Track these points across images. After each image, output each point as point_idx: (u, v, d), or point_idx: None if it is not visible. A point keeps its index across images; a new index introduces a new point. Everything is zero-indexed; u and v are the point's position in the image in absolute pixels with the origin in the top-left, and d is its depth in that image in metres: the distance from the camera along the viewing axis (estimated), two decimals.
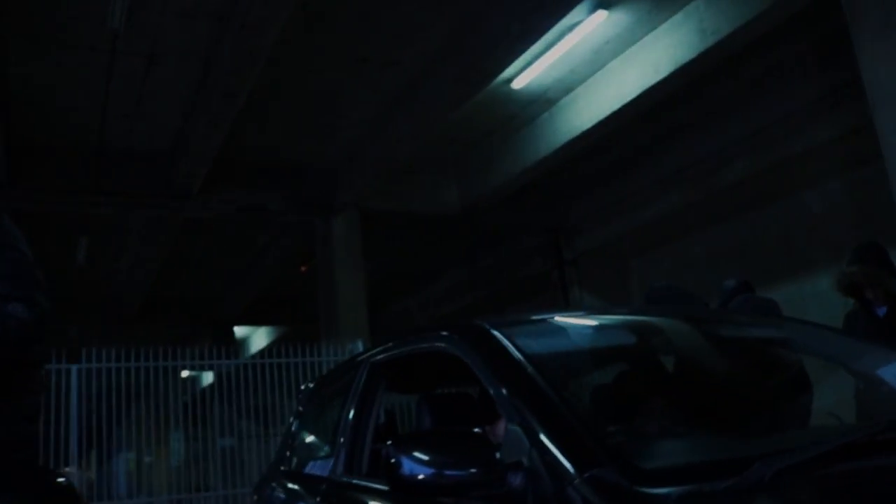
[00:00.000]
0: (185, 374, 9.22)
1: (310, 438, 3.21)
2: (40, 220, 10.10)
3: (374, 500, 2.06)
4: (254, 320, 15.60)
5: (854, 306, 3.86)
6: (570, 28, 6.97)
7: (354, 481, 2.24)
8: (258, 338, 17.45)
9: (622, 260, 11.01)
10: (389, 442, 1.59)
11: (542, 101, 8.64)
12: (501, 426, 1.75)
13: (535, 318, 2.22)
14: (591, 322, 2.29)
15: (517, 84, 8.02)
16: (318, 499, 2.41)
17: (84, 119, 7.96)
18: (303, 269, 11.27)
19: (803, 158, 8.10)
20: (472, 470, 1.47)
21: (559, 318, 2.23)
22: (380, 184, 9.46)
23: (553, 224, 11.10)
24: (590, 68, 7.99)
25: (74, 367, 7.73)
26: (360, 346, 7.25)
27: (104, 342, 7.39)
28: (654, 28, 7.25)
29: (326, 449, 2.65)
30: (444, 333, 2.09)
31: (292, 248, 11.30)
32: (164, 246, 10.57)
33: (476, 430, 1.70)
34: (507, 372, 1.75)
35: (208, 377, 11.53)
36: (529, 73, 7.83)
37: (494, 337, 1.91)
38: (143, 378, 7.32)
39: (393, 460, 1.52)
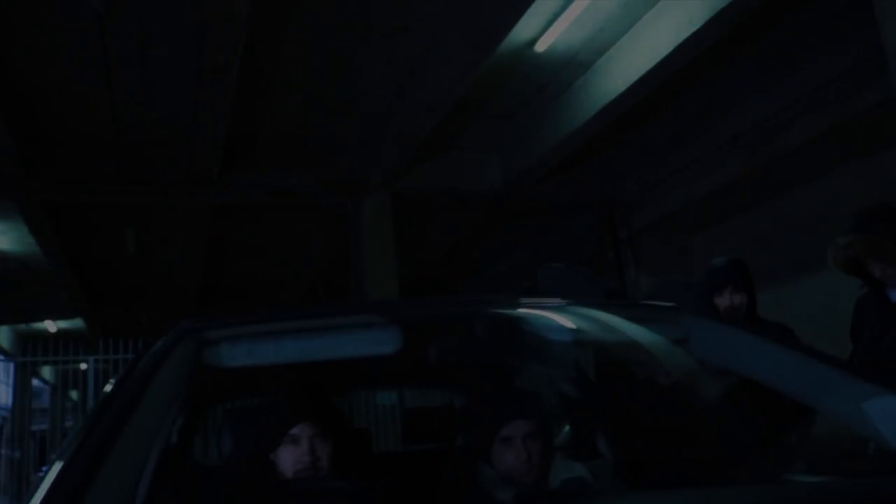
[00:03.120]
0: None
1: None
2: (81, 211, 10.15)
3: None
4: None
5: (863, 290, 3.07)
6: None
7: None
8: None
9: (683, 236, 10.12)
10: None
11: (575, 66, 7.89)
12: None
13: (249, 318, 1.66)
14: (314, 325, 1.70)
15: (540, 47, 7.33)
16: None
17: (94, 107, 7.77)
18: None
19: (874, 116, 7.07)
20: None
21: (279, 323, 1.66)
22: (411, 162, 8.95)
23: (607, 200, 10.30)
24: (621, 25, 7.19)
25: (91, 359, 7.63)
26: None
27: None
28: None
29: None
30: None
31: (338, 234, 10.96)
32: (201, 232, 10.42)
33: None
34: None
35: None
36: (551, 33, 7.12)
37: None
38: None
39: None
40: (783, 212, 9.07)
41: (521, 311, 1.84)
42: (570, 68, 7.92)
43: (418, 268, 10.90)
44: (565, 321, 1.88)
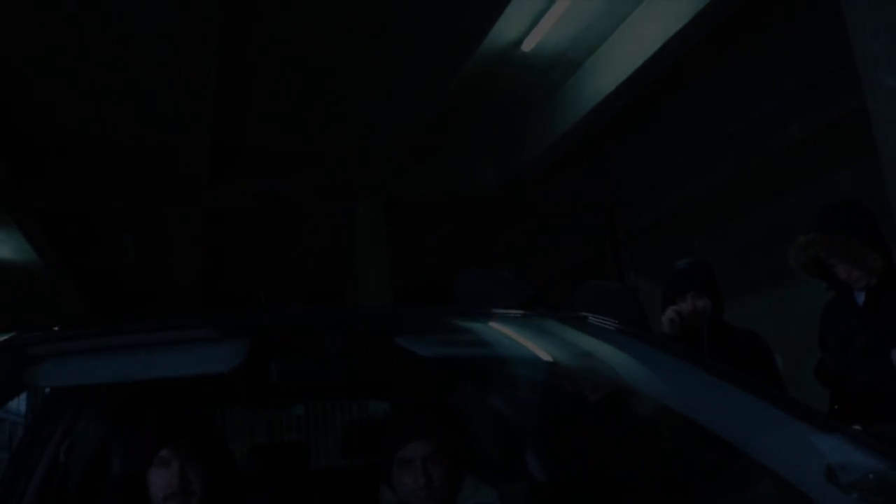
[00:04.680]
0: None
1: None
2: (78, 219, 10.11)
3: None
4: None
5: (830, 293, 2.88)
6: None
7: None
8: None
9: (682, 238, 9.89)
10: None
11: (565, 65, 7.73)
12: None
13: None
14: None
15: (527, 46, 7.17)
16: None
17: (80, 113, 7.71)
18: None
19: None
20: None
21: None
22: (404, 166, 8.83)
23: (604, 202, 10.10)
24: (608, 23, 7.03)
25: None
26: None
27: None
28: None
29: None
30: None
31: (332, 239, 10.85)
32: (197, 239, 10.34)
33: None
34: None
35: None
36: (537, 32, 6.96)
37: None
38: None
39: None
40: (780, 214, 8.83)
41: (406, 319, 1.68)
42: (559, 68, 7.77)
43: (414, 274, 10.75)
44: (458, 332, 1.72)
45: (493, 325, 1.80)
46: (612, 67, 7.27)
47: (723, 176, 8.73)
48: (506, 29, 6.81)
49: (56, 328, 1.50)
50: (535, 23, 6.84)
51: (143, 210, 9.45)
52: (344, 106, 8.01)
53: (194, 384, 2.01)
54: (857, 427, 1.36)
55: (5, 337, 1.40)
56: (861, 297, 2.70)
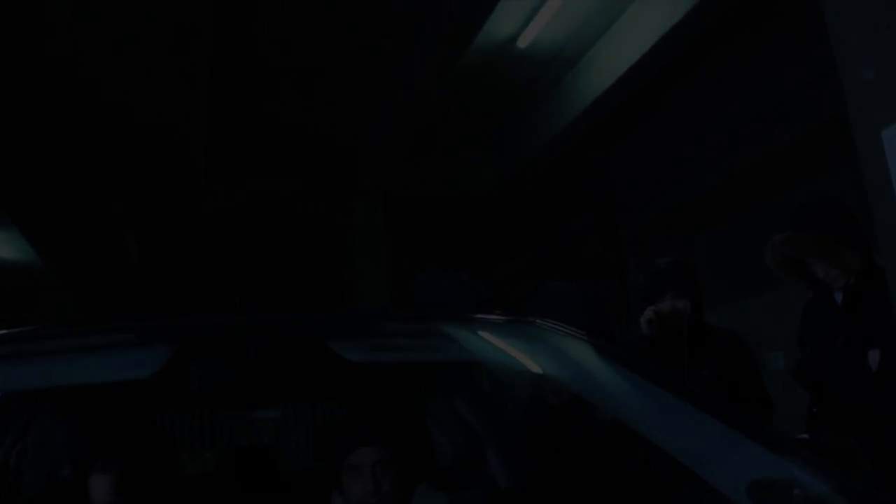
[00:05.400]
0: None
1: None
2: (79, 219, 10.12)
3: None
4: None
5: (810, 293, 2.79)
6: None
7: None
8: None
9: (685, 237, 9.78)
10: None
11: (563, 61, 7.67)
12: None
13: None
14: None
15: (522, 42, 7.10)
16: None
17: (76, 112, 7.70)
18: None
19: None
20: None
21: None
22: (402, 164, 8.77)
23: (606, 199, 10.00)
24: (604, 18, 6.96)
25: None
26: None
27: None
28: None
29: None
30: None
31: (331, 238, 10.81)
32: (197, 239, 10.33)
33: None
34: None
35: None
36: (532, 28, 6.91)
37: None
38: None
39: None
40: (790, 209, 8.70)
41: (351, 322, 1.62)
42: (557, 64, 7.71)
43: (412, 273, 10.71)
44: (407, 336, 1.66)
45: (443, 328, 1.74)
46: (610, 63, 7.20)
47: (725, 172, 8.62)
48: (501, 25, 6.76)
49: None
50: (530, 19, 6.79)
51: (142, 210, 9.45)
52: (340, 104, 7.96)
53: (148, 388, 1.96)
54: (805, 436, 1.29)
55: None
56: (840, 297, 2.62)
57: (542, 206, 10.03)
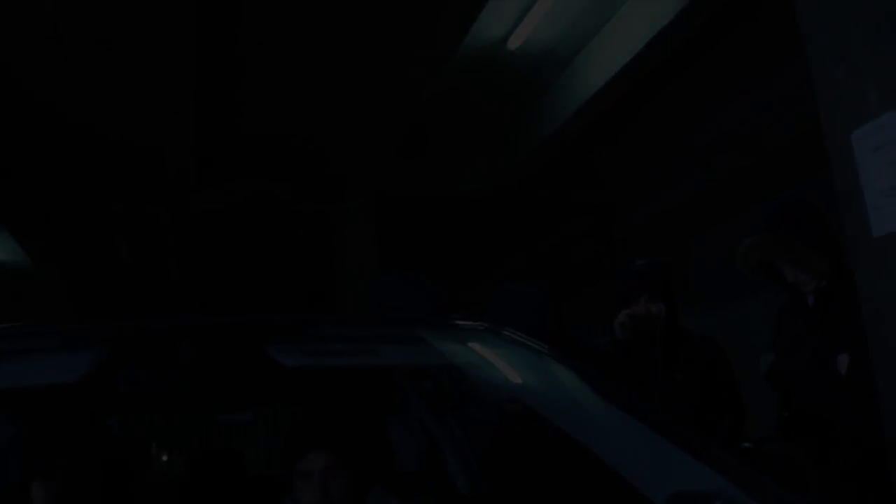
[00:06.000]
0: None
1: None
2: (69, 220, 10.09)
3: None
4: None
5: (785, 296, 2.75)
6: None
7: None
8: None
9: (679, 239, 9.75)
10: None
11: (555, 63, 7.64)
12: None
13: None
14: None
15: (512, 44, 7.08)
16: None
17: (63, 113, 7.68)
18: None
19: None
20: None
21: None
22: (395, 166, 8.76)
23: (600, 201, 9.97)
24: (595, 19, 6.92)
25: None
26: None
27: None
28: None
29: None
30: None
31: (324, 241, 10.78)
32: (189, 241, 10.30)
33: None
34: None
35: None
36: (522, 29, 6.88)
37: None
38: None
39: None
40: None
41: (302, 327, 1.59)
42: (549, 66, 7.68)
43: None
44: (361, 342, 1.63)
45: (394, 332, 1.71)
46: (602, 64, 7.17)
47: (719, 174, 8.59)
48: (491, 27, 6.75)
49: None
50: (520, 20, 6.77)
51: (133, 212, 9.43)
52: (331, 105, 7.93)
53: (90, 392, 1.92)
54: (748, 444, 1.25)
55: None
56: (812, 300, 2.58)
57: (534, 208, 10.00)
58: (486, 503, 1.95)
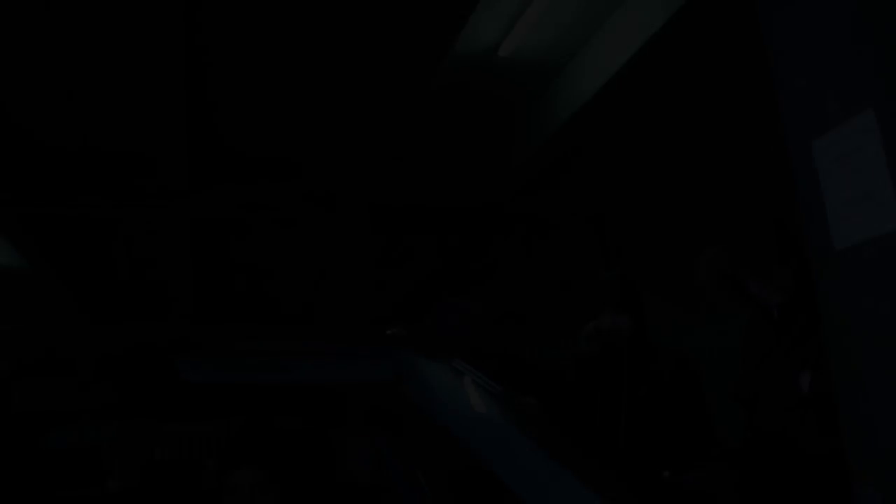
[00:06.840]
0: None
1: None
2: (65, 225, 10.08)
3: None
4: None
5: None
6: None
7: None
8: None
9: (674, 246, 9.65)
10: None
11: (548, 70, 7.58)
12: None
13: None
14: None
15: (503, 51, 7.01)
16: None
17: (55, 115, 7.65)
18: None
19: None
20: None
21: None
22: (387, 174, 8.71)
23: (596, 211, 9.89)
24: (586, 26, 6.86)
25: None
26: None
27: None
28: None
29: None
30: None
31: (318, 250, 10.72)
32: (184, 248, 10.24)
33: None
34: None
35: None
36: (513, 37, 6.81)
37: None
38: None
39: None
40: None
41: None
42: (542, 73, 7.62)
43: (399, 285, 10.60)
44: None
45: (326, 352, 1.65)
46: (591, 76, 7.11)
47: (714, 183, 8.50)
48: (481, 35, 6.70)
49: None
50: (510, 28, 6.70)
51: (128, 219, 9.41)
52: (322, 113, 7.89)
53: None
54: (667, 474, 1.19)
55: None
56: (777, 311, 2.51)
57: (528, 216, 9.93)
58: None
